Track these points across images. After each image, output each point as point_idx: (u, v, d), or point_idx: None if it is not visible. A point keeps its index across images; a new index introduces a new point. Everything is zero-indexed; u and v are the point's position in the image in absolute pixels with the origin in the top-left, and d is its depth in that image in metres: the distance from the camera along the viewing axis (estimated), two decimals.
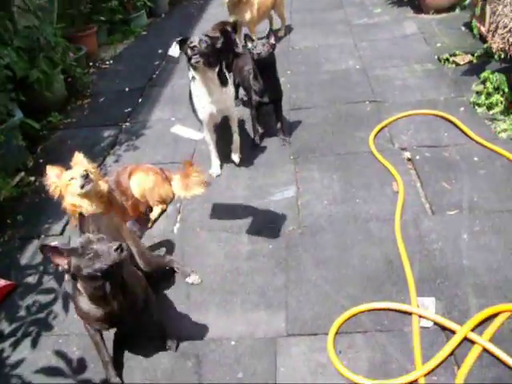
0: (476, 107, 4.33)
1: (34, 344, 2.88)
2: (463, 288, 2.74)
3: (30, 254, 3.58)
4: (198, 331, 2.75)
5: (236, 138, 4.10)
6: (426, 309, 2.64)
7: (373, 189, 3.59)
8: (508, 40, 3.85)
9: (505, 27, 3.91)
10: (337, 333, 2.60)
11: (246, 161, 4.13)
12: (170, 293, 3.03)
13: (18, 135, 4.38)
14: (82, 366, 2.71)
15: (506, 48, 3.90)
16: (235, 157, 4.11)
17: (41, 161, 4.68)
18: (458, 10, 6.14)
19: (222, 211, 3.60)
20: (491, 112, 4.24)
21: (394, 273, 2.91)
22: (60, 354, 2.79)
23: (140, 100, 5.46)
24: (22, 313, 3.10)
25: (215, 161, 4.05)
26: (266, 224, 3.40)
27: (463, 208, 3.28)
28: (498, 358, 2.35)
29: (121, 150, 4.54)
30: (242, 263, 3.13)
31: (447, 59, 5.15)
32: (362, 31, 6.28)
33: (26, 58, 4.89)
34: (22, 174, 4.49)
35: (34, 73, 4.83)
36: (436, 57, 5.26)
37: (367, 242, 3.14)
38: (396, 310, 2.66)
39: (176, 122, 4.83)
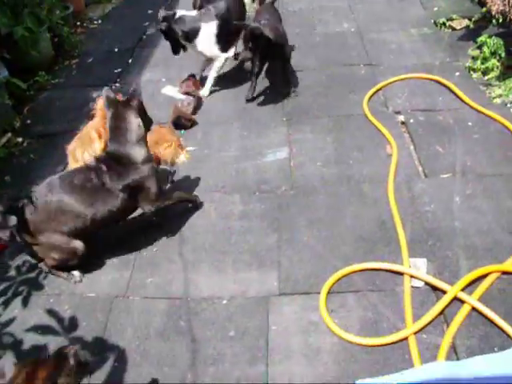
0: (471, 72, 4.29)
1: (25, 303, 2.86)
2: (454, 249, 2.76)
3: None
4: (190, 290, 2.76)
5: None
6: (417, 269, 2.65)
7: (366, 151, 3.56)
8: (509, 1, 3.77)
9: None
10: (329, 292, 2.61)
11: (239, 121, 4.09)
12: (162, 251, 3.02)
13: (4, 94, 4.25)
14: (73, 324, 2.70)
15: (506, 10, 3.83)
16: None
17: (28, 121, 4.57)
18: None
19: (215, 171, 3.56)
20: (486, 77, 4.20)
21: (387, 234, 2.91)
22: (51, 312, 2.78)
23: (130, 61, 5.32)
24: (12, 273, 3.07)
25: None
26: (259, 185, 3.38)
27: (456, 171, 3.28)
28: (486, 317, 2.39)
29: None
30: (235, 223, 3.12)
31: (444, 23, 5.06)
32: None
33: (10, 14, 4.72)
34: (9, 134, 4.38)
35: (18, 29, 4.66)
36: (432, 21, 5.17)
37: (360, 203, 3.14)
38: (388, 270, 2.68)
39: (167, 82, 4.72)
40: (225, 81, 4.62)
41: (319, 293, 2.60)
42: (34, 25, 4.79)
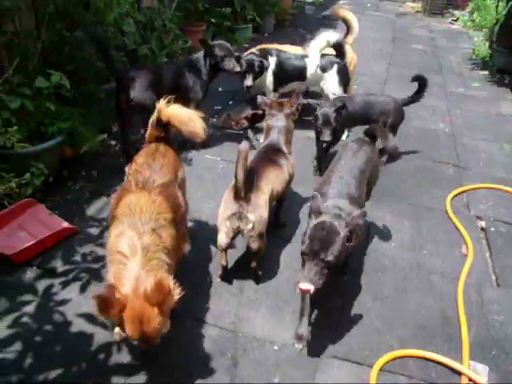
0: None
1: (83, 289, 2.94)
2: None
3: (96, 208, 3.68)
4: (244, 326, 2.76)
5: None
6: (477, 374, 2.55)
7: (441, 245, 3.54)
8: None
9: None
10: (381, 369, 2.54)
11: None
12: (225, 283, 3.06)
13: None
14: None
15: None
16: None
17: None
18: None
19: (292, 223, 3.63)
20: None
21: (449, 330, 2.84)
22: None
23: (231, 102, 5.62)
24: (78, 258, 3.18)
25: None
26: None
27: None
28: None
29: None
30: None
31: None
32: (457, 99, 6.30)
33: (142, 33, 5.15)
34: (105, 135, 4.64)
35: (143, 48, 5.06)
36: None
37: (427, 293, 3.09)
38: (447, 366, 2.59)
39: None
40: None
41: (371, 366, 2.54)
42: (157, 47, 5.19)
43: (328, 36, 4.74)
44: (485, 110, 6.04)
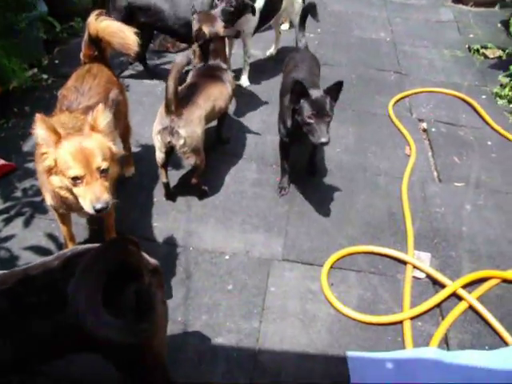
0: (497, 98, 4.34)
1: (27, 224, 2.86)
2: (459, 251, 2.79)
3: (32, 143, 3.47)
4: (194, 240, 2.77)
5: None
6: (421, 261, 2.67)
7: (385, 148, 3.60)
8: None
9: None
10: (331, 267, 2.63)
11: (265, 98, 4.13)
12: (168, 203, 3.03)
13: (40, 27, 4.26)
14: None
15: None
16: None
17: (56, 62, 4.58)
18: (497, 7, 6.15)
19: (235, 139, 3.60)
20: None
21: (395, 224, 2.95)
22: (51, 236, 2.79)
23: None
24: (18, 194, 3.07)
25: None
26: (276, 158, 3.38)
27: (470, 183, 3.33)
28: (481, 316, 2.41)
29: (140, 66, 4.46)
30: (248, 188, 3.14)
31: (477, 50, 5.12)
32: (397, 8, 6.22)
33: None
34: (35, 70, 4.39)
35: None
36: (466, 46, 5.24)
37: (373, 193, 3.18)
38: (392, 257, 2.71)
39: None
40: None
41: (322, 266, 2.62)
42: None
43: None
44: (424, 17, 6.01)
